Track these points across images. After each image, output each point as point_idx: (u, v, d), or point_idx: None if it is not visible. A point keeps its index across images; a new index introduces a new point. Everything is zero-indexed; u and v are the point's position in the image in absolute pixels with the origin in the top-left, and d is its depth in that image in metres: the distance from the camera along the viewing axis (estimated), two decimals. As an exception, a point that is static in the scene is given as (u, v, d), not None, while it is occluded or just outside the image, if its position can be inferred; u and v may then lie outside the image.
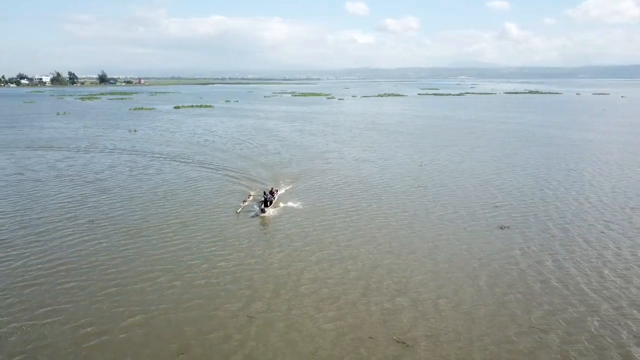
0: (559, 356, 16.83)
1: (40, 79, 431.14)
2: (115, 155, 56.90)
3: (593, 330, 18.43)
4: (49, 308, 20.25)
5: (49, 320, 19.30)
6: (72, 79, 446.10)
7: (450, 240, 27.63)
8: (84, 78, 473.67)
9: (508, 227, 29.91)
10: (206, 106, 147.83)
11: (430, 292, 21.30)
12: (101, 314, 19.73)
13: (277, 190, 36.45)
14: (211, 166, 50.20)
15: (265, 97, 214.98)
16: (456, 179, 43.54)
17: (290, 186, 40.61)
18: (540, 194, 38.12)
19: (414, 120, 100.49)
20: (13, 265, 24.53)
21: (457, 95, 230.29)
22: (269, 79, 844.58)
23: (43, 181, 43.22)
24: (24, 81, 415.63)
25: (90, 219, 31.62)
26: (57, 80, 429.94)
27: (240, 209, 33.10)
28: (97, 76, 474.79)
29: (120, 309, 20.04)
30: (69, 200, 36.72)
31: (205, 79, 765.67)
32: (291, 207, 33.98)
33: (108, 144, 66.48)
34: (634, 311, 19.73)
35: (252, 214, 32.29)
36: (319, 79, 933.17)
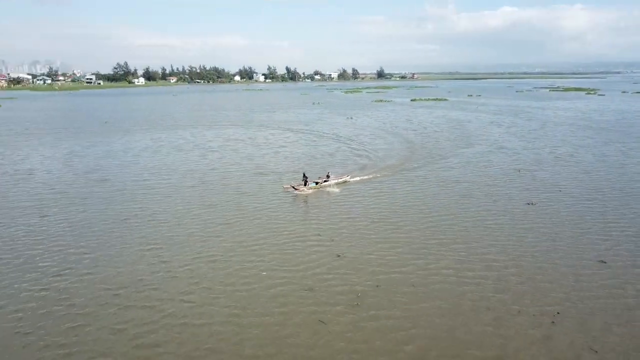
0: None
1: (330, 75, 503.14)
2: (301, 135, 72.52)
3: None
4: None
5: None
6: (355, 74, 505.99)
7: None
8: (364, 74, 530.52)
9: None
10: (441, 99, 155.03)
11: None
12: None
13: (329, 176, 41.17)
14: (352, 145, 60.51)
15: (517, 92, 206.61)
16: None
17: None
18: None
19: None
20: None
21: None
22: (557, 73, 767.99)
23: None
24: (317, 77, 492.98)
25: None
26: (342, 75, 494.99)
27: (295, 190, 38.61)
28: (375, 72, 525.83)
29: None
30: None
31: (479, 74, 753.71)
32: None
33: (319, 127, 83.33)
34: None
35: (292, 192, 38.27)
36: (618, 72, 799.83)
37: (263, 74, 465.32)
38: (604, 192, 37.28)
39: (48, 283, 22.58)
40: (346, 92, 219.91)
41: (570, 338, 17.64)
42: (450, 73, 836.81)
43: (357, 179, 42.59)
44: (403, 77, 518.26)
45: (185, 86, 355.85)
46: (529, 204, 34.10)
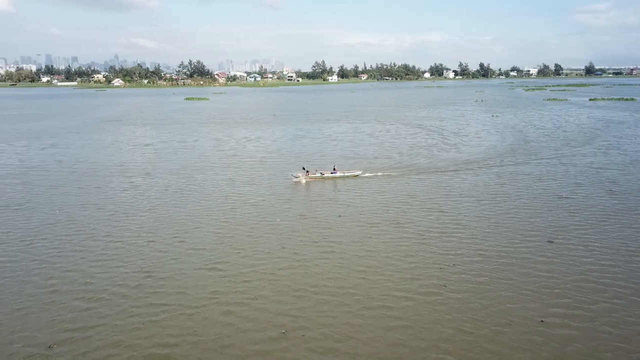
0: None
1: (528, 70, 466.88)
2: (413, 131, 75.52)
3: None
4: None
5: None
6: (557, 70, 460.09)
7: None
8: (569, 69, 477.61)
9: None
10: (628, 99, 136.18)
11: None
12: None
13: (335, 170, 43.69)
14: (448, 141, 61.68)
15: None
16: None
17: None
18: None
19: None
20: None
21: None
22: None
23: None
24: (512, 73, 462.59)
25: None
26: (542, 72, 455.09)
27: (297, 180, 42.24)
28: (583, 67, 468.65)
29: None
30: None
31: None
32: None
33: (447, 123, 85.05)
34: None
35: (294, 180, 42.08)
36: None
37: (454, 71, 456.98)
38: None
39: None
40: (526, 90, 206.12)
41: None
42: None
43: (368, 174, 44.19)
44: (618, 74, 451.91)
45: (371, 83, 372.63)
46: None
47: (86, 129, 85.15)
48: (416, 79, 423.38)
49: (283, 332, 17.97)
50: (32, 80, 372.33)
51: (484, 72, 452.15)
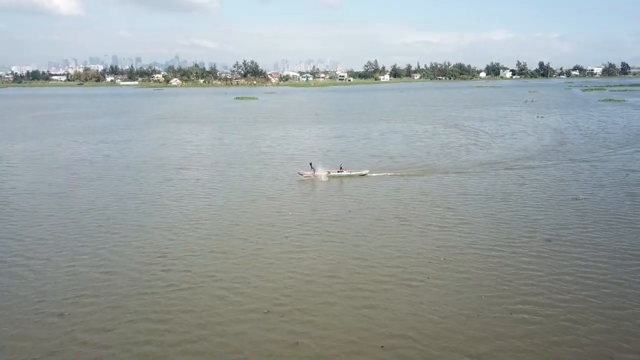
0: None
1: (591, 70, 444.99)
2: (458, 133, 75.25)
3: None
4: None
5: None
6: (624, 69, 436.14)
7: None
8: (638, 68, 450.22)
9: None
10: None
11: None
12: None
13: (342, 169, 44.50)
14: (479, 141, 61.32)
15: None
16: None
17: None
18: None
19: None
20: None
21: None
22: None
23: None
24: (575, 72, 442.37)
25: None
26: (607, 71, 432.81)
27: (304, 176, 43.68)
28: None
29: None
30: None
31: None
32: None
33: (486, 124, 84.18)
34: None
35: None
36: None
37: (511, 70, 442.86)
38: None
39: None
40: (584, 90, 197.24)
41: None
42: None
43: (376, 174, 44.75)
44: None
45: (422, 83, 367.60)
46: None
47: (137, 126, 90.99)
48: (470, 78, 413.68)
49: (265, 312, 19.93)
50: (98, 80, 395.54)
51: (543, 71, 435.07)
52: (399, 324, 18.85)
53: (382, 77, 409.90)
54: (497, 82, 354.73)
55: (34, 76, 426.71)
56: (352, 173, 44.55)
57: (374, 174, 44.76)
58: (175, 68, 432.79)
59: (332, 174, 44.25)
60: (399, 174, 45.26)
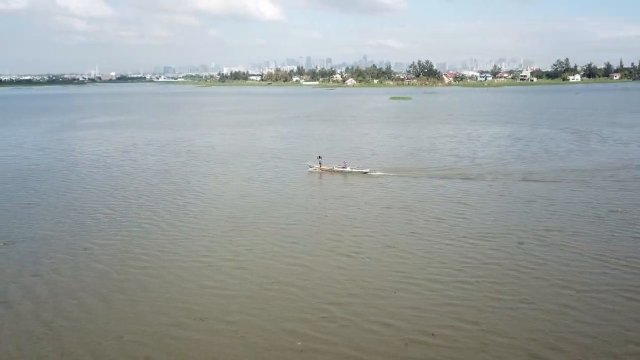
0: None
1: None
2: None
3: None
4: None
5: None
6: None
7: None
8: None
9: None
10: None
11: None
12: None
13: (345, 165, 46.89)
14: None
15: None
16: None
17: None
18: None
19: None
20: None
21: None
22: None
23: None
24: None
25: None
26: None
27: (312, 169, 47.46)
28: None
29: None
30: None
31: None
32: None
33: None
34: None
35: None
36: None
37: None
38: None
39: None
40: None
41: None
42: None
43: (378, 173, 46.19)
44: None
45: (616, 84, 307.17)
46: None
47: (272, 122, 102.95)
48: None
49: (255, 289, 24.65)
50: (285, 80, 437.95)
51: None
52: (348, 290, 22.48)
53: (571, 77, 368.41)
54: None
55: (235, 76, 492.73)
56: (353, 170, 46.83)
57: (377, 173, 46.64)
58: (363, 68, 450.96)
59: (335, 169, 47.37)
60: (446, 172, 46.42)
